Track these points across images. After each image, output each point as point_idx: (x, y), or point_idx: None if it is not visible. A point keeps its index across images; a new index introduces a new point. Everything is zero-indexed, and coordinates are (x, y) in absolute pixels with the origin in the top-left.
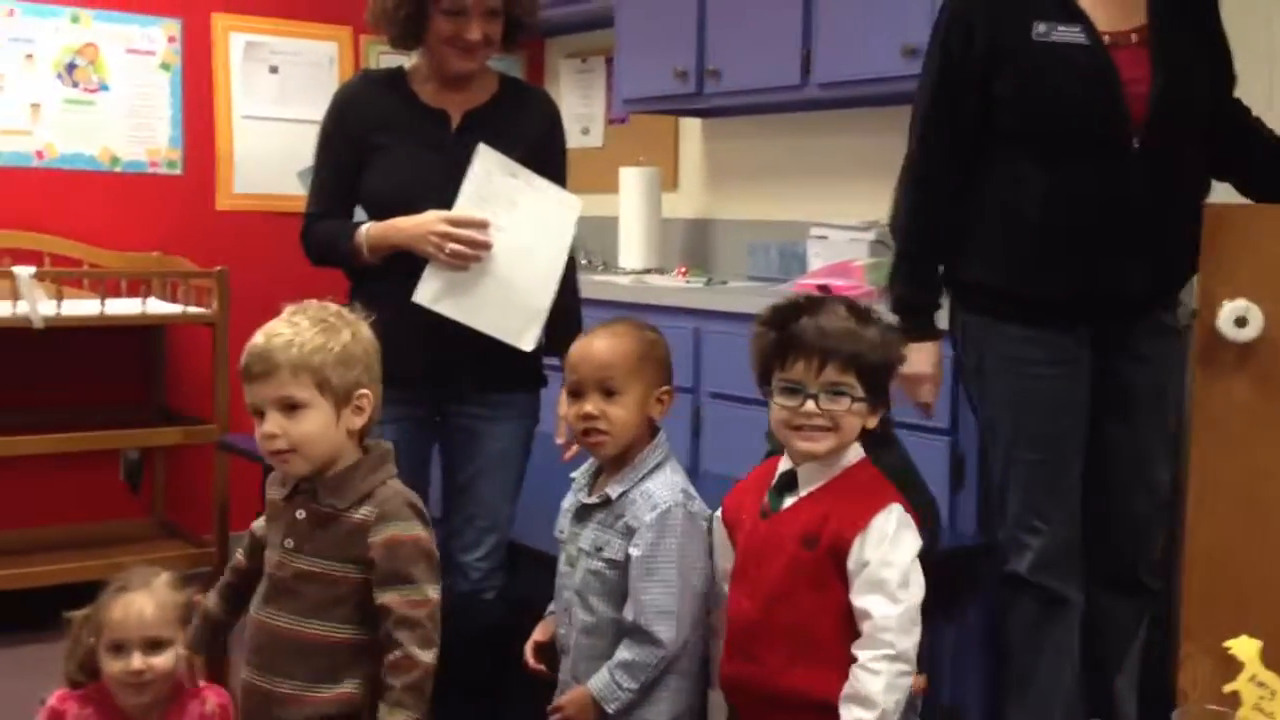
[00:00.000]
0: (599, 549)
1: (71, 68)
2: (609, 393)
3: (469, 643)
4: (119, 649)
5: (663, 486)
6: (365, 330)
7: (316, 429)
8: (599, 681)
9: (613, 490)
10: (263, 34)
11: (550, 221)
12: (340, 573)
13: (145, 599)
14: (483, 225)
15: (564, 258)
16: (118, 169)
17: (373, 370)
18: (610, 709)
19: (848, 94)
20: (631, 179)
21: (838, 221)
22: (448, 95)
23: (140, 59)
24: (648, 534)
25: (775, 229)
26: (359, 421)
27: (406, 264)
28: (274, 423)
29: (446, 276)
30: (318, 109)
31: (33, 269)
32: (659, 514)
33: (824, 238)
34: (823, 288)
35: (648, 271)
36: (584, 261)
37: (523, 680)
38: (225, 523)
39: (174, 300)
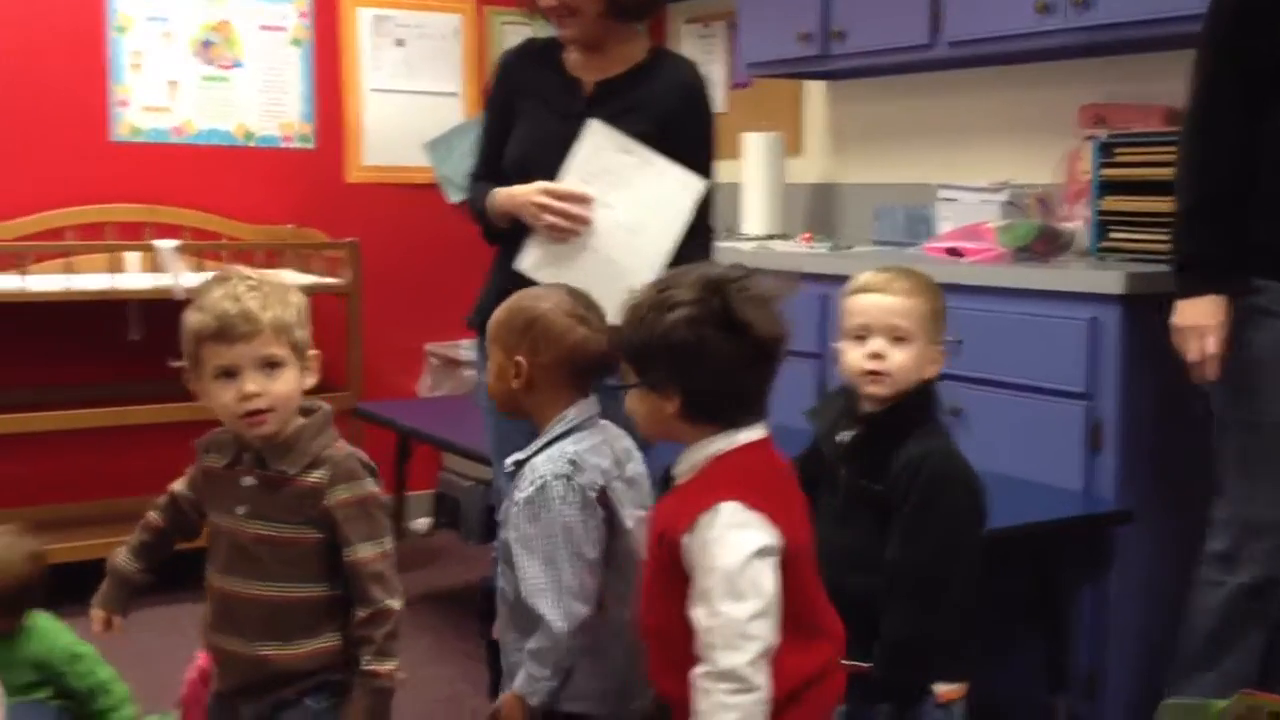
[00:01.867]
0: (506, 518)
1: (207, 45)
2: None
3: None
4: None
5: (548, 459)
6: (296, 291)
7: (291, 388)
8: (520, 678)
9: (511, 460)
10: (389, 8)
11: (665, 201)
12: (297, 534)
13: None
14: (583, 200)
15: (675, 238)
16: (252, 144)
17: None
18: (534, 702)
19: (978, 52)
20: (754, 144)
21: (967, 183)
22: (586, 64)
23: (272, 35)
24: (522, 512)
25: (902, 192)
26: (311, 381)
27: (525, 232)
28: (255, 382)
29: (547, 246)
30: (443, 81)
31: (175, 242)
32: (534, 490)
33: (953, 200)
34: (953, 251)
35: (771, 238)
36: None
37: None
38: None
39: (307, 271)
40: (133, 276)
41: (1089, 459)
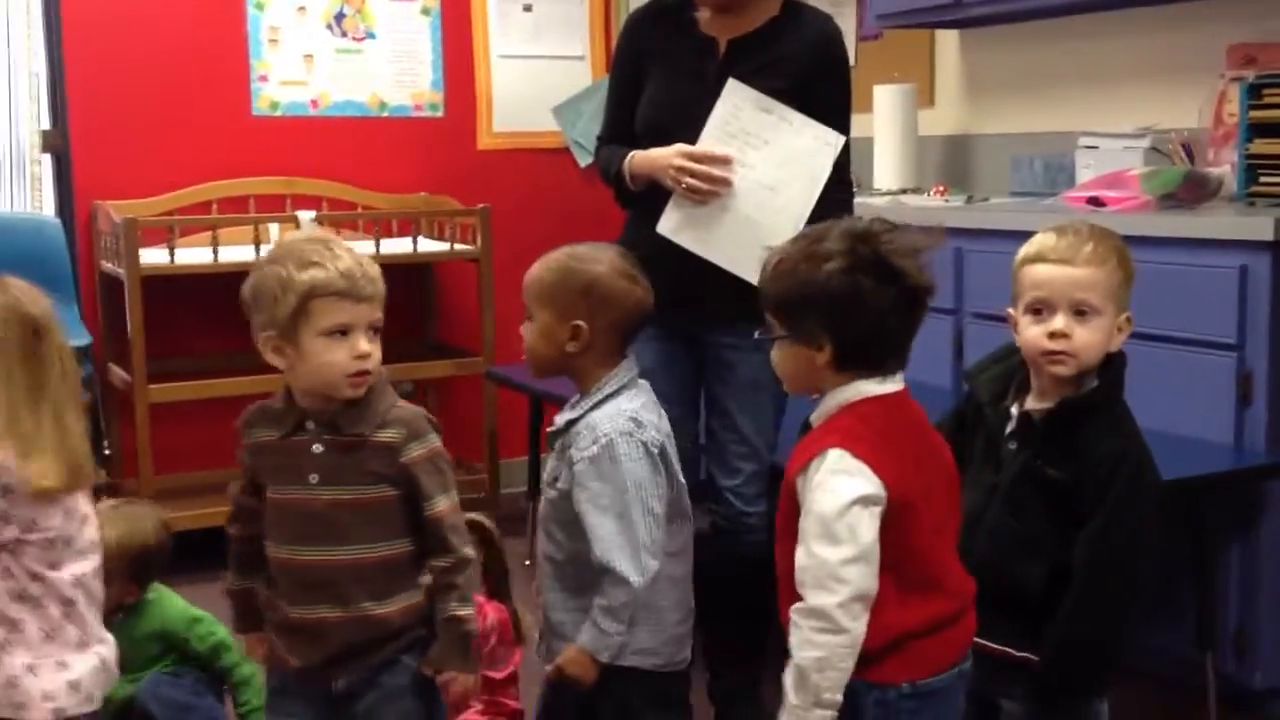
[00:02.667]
0: (555, 479)
1: (340, 18)
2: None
3: (737, 566)
4: None
5: (608, 417)
6: None
7: (380, 355)
8: (587, 634)
9: (562, 418)
10: None
11: (803, 159)
12: (376, 494)
13: None
14: (724, 161)
15: (814, 195)
16: (385, 114)
17: None
18: (603, 658)
19: None
20: (886, 97)
21: (1109, 130)
22: (719, 22)
23: (402, 5)
24: (590, 470)
25: (1039, 141)
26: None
27: (665, 195)
28: (369, 344)
29: (687, 209)
30: (570, 45)
31: (314, 213)
32: (600, 448)
33: (1094, 147)
34: (1094, 200)
35: (904, 192)
36: None
37: None
38: (495, 450)
39: (440, 238)
40: None
41: (1239, 411)
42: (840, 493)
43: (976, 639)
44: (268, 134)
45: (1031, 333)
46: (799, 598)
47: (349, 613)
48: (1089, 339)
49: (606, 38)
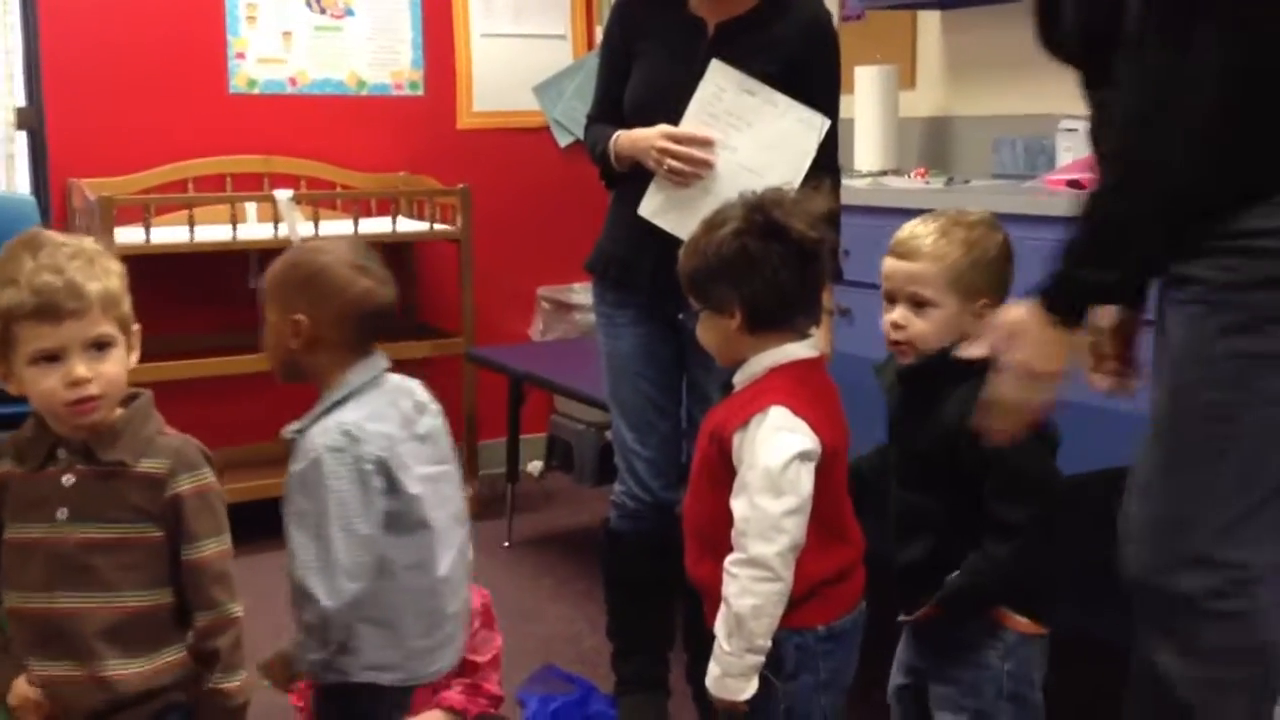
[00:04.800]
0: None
1: None
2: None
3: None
4: None
5: (322, 431)
6: (115, 264)
7: (121, 369)
8: (291, 643)
9: (290, 430)
10: None
11: (787, 142)
12: (136, 534)
13: None
14: (706, 143)
15: (798, 179)
16: (364, 92)
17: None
18: (302, 669)
19: None
20: (867, 78)
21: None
22: (709, 4)
23: None
24: (296, 485)
25: (1021, 123)
26: (134, 359)
27: (649, 176)
28: (86, 366)
29: (669, 191)
30: (552, 24)
31: (291, 192)
32: (307, 465)
33: (1075, 130)
34: (1074, 184)
35: (884, 173)
36: None
37: None
38: (473, 431)
39: (420, 218)
40: (252, 227)
41: None
42: (784, 447)
43: (900, 619)
44: (245, 112)
45: (883, 321)
46: (720, 548)
47: (86, 671)
48: (924, 329)
49: (588, 17)
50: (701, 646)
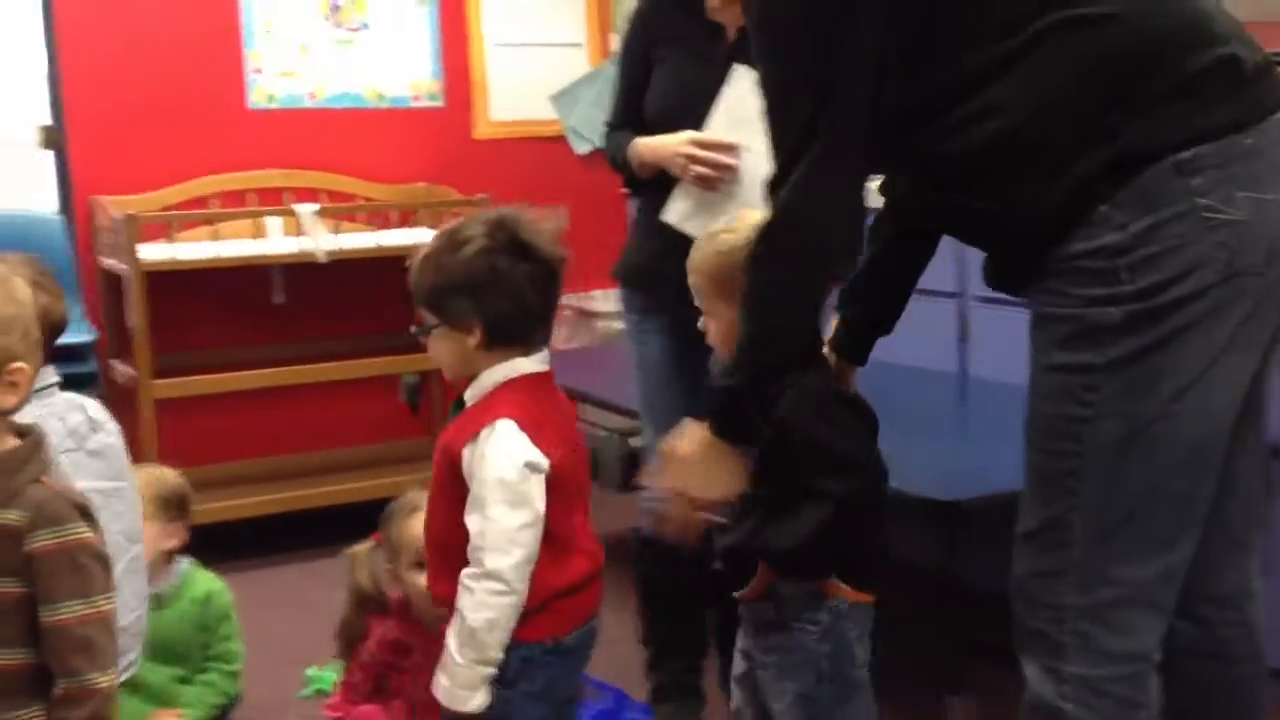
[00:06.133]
0: None
1: (335, 8)
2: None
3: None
4: (421, 565)
5: None
6: (22, 291)
7: None
8: None
9: None
10: None
11: None
12: None
13: None
14: (730, 149)
15: None
16: (383, 104)
17: (30, 337)
18: None
19: None
20: None
21: None
22: (729, 8)
23: None
24: None
25: None
26: (12, 400)
27: (672, 182)
28: None
29: (695, 197)
30: (569, 32)
31: (315, 206)
32: None
33: None
34: None
35: None
36: None
37: None
38: None
39: (440, 228)
40: (275, 241)
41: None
42: (515, 460)
43: (735, 594)
44: (265, 126)
45: None
46: (455, 562)
47: None
48: (714, 337)
49: (603, 25)
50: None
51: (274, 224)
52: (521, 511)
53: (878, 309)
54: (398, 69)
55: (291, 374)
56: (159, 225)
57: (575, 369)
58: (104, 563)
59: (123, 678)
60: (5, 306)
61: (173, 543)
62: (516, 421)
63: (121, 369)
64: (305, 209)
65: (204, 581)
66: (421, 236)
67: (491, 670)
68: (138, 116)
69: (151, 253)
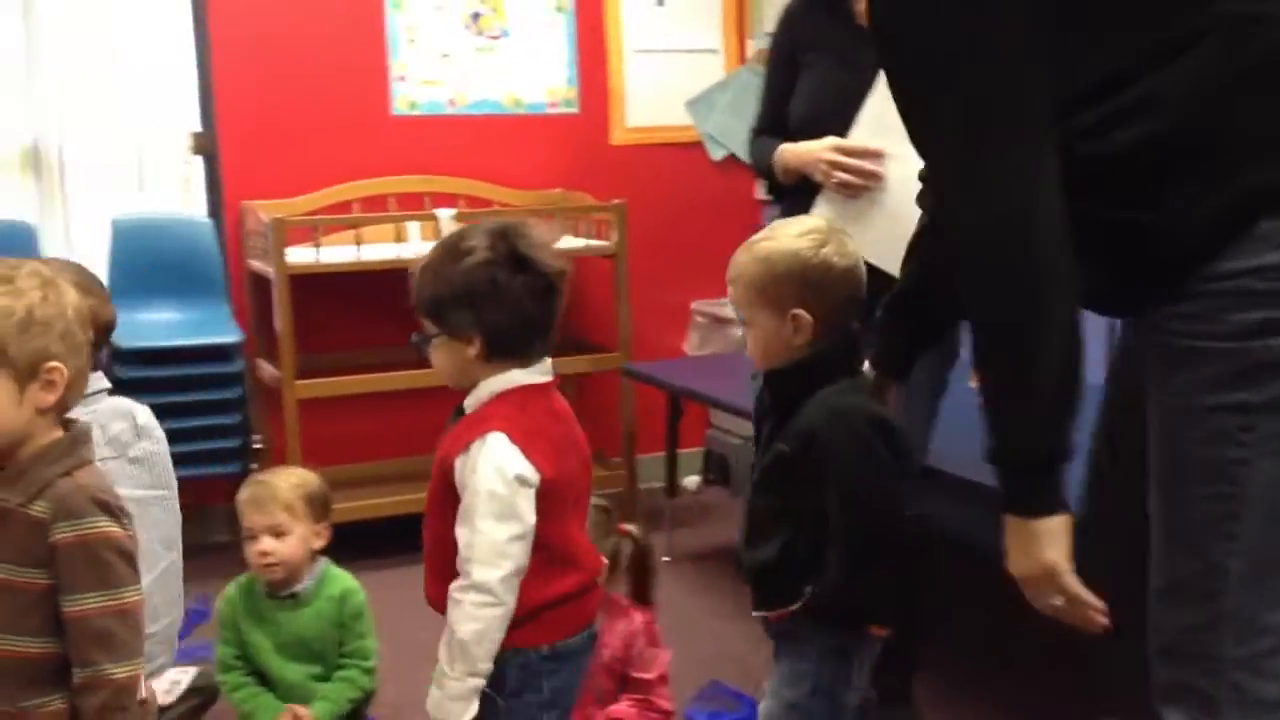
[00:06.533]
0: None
1: (476, 17)
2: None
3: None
4: None
5: None
6: (66, 294)
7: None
8: None
9: None
10: None
11: None
12: (23, 579)
13: None
14: (876, 155)
15: None
16: (520, 111)
17: (71, 339)
18: None
19: None
20: None
21: None
22: None
23: (537, 2)
24: None
25: None
26: (49, 399)
27: (816, 189)
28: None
29: (838, 204)
30: (704, 38)
31: (453, 211)
32: None
33: None
34: None
35: None
36: None
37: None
38: (632, 445)
39: (576, 235)
40: (415, 245)
41: None
42: (505, 473)
43: (753, 612)
44: (407, 133)
45: None
46: (448, 570)
47: None
48: (753, 347)
49: (740, 31)
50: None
51: (413, 228)
52: (510, 524)
53: (922, 323)
54: (535, 76)
55: (428, 376)
56: (305, 229)
57: (707, 375)
58: (129, 558)
59: (151, 682)
60: (45, 308)
61: (319, 542)
62: (508, 434)
63: (267, 369)
64: (445, 214)
65: (339, 580)
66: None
67: (480, 682)
68: (286, 123)
69: (297, 256)
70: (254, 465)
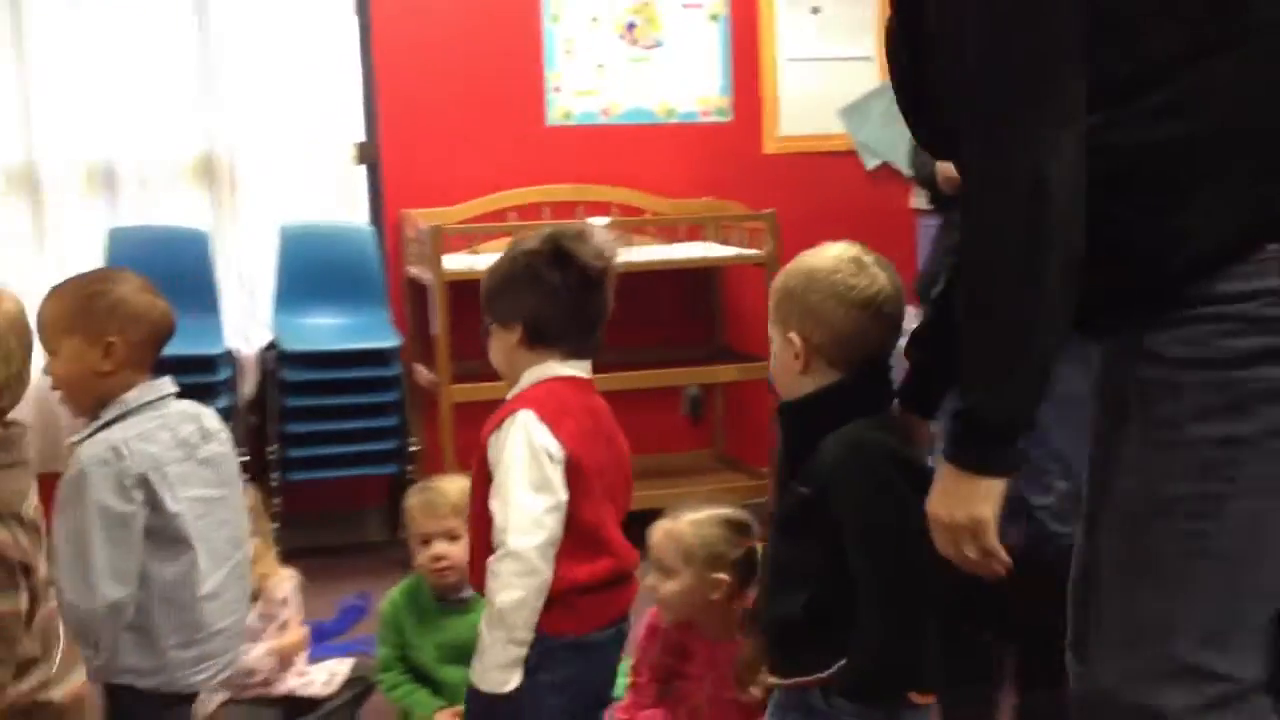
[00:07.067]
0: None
1: (631, 27)
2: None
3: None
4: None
5: (93, 444)
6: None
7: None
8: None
9: (71, 440)
10: None
11: None
12: None
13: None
14: None
15: None
16: (673, 120)
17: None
18: (89, 675)
19: None
20: None
21: None
22: None
23: (691, 12)
24: (63, 494)
25: None
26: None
27: None
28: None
29: None
30: (859, 46)
31: (607, 219)
32: (74, 474)
33: None
34: None
35: None
36: None
37: None
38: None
39: (727, 243)
40: None
41: None
42: (533, 447)
43: (775, 680)
44: (561, 142)
45: None
46: (489, 549)
47: None
48: (774, 368)
49: None
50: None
51: None
52: (544, 495)
53: (950, 357)
54: (688, 85)
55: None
56: (461, 237)
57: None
58: (6, 567)
59: (220, 677)
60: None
61: (463, 549)
62: (535, 412)
63: (423, 373)
64: (599, 222)
65: None
66: (708, 251)
67: (521, 651)
68: (445, 134)
69: (454, 263)
70: (410, 467)
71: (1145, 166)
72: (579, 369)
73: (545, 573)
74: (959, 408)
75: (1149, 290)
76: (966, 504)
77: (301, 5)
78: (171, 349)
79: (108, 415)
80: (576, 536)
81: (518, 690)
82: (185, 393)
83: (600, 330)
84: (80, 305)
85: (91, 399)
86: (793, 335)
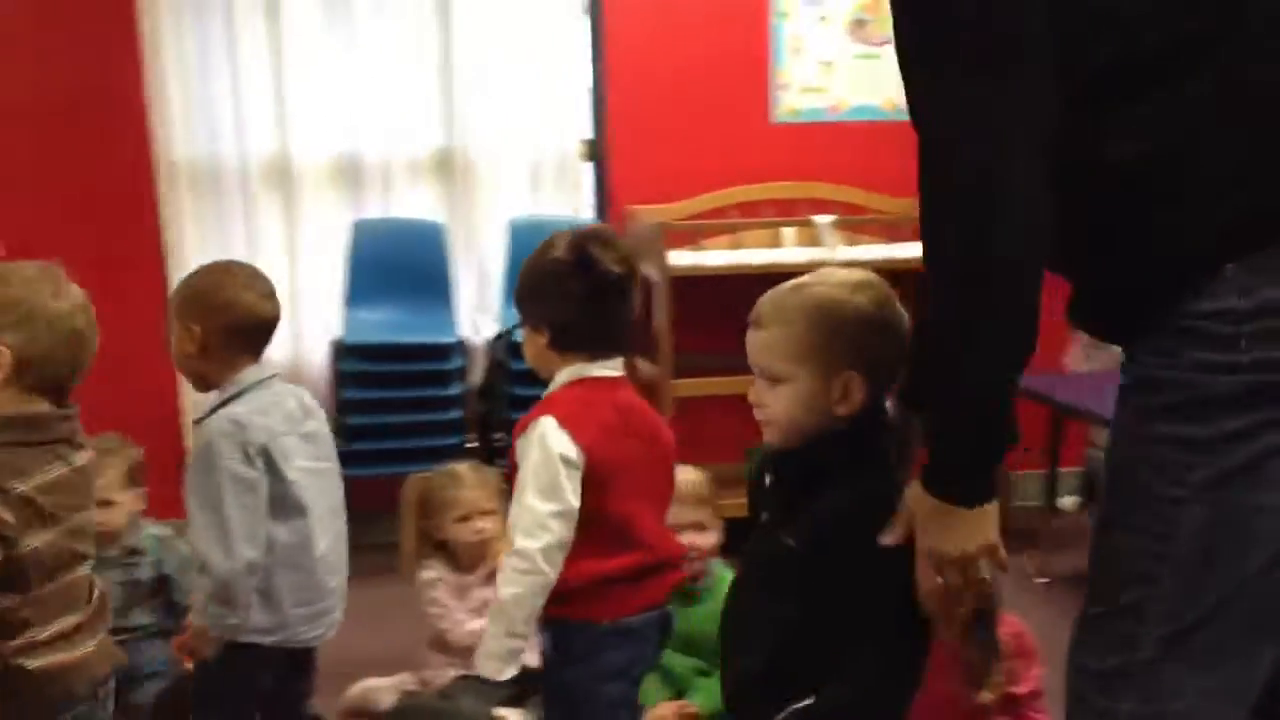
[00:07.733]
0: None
1: (860, 24)
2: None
3: None
4: None
5: (217, 419)
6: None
7: None
8: (202, 615)
9: (197, 418)
10: None
11: None
12: None
13: None
14: None
15: None
16: (900, 117)
17: (30, 328)
18: (212, 634)
19: None
20: None
21: None
22: None
23: None
24: (194, 466)
25: None
26: None
27: None
28: None
29: None
30: None
31: (832, 217)
32: (203, 447)
33: None
34: None
35: None
36: None
37: None
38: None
39: None
40: (791, 251)
41: None
42: (551, 454)
43: None
44: (786, 140)
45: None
46: None
47: None
48: (780, 408)
49: None
50: None
51: (788, 233)
52: (552, 501)
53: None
54: None
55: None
56: (686, 233)
57: (1090, 392)
58: None
59: (330, 634)
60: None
61: (710, 540)
62: (558, 419)
63: (645, 367)
64: (823, 220)
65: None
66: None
67: (519, 644)
68: (672, 131)
69: (679, 259)
70: None
71: (1117, 180)
72: (610, 368)
73: (547, 573)
74: (934, 449)
75: (1136, 305)
76: (976, 535)
77: (536, 7)
78: (408, 337)
79: (225, 394)
80: (605, 531)
81: (548, 682)
82: (421, 378)
83: (627, 333)
84: (179, 294)
85: (193, 376)
86: (853, 375)
